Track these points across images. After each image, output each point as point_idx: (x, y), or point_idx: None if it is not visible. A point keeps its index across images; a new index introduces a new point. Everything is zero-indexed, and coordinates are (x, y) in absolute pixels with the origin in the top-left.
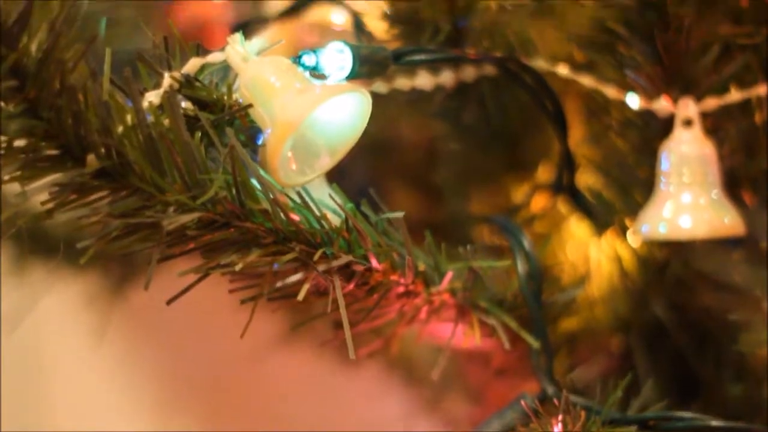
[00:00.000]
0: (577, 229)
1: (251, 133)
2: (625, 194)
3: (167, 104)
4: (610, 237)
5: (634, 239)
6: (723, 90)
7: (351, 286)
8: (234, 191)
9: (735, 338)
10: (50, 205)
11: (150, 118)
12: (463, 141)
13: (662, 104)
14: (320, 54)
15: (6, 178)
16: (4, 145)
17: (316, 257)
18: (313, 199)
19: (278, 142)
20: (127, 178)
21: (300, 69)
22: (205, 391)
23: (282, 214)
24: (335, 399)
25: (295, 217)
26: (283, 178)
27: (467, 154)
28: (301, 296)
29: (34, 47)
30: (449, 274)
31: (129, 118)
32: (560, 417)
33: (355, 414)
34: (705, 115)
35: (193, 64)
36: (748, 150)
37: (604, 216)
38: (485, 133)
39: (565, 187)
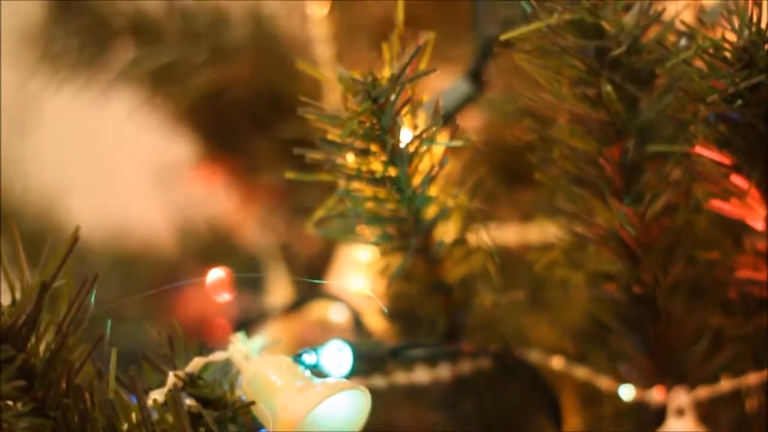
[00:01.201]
0: None
1: (253, 428)
2: None
3: (171, 402)
4: None
5: None
6: (714, 380)
7: None
8: None
9: None
10: None
11: (154, 416)
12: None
13: (654, 395)
14: (320, 352)
15: None
16: None
17: None
18: None
19: None
20: None
21: (301, 367)
22: None
23: None
24: None
25: None
26: None
27: None
28: None
29: (42, 348)
30: None
31: (134, 416)
32: None
33: None
34: (697, 404)
35: (196, 363)
36: None
37: None
38: (482, 425)
39: None
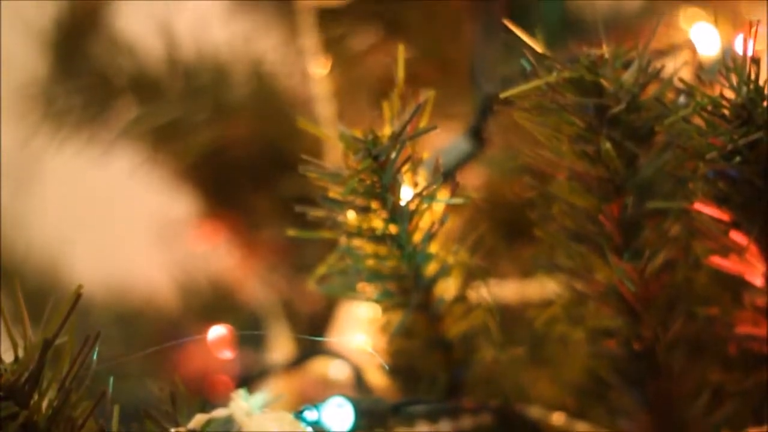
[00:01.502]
0: None
1: None
2: None
3: None
4: None
5: None
6: None
7: None
8: None
9: None
10: None
11: None
12: None
13: None
14: (322, 409)
15: None
16: None
17: None
18: None
19: None
20: None
21: (302, 424)
22: None
23: None
24: None
25: None
26: None
27: None
28: None
29: (44, 405)
30: None
31: None
32: None
33: None
34: None
35: (198, 420)
36: None
37: None
38: None
39: None
